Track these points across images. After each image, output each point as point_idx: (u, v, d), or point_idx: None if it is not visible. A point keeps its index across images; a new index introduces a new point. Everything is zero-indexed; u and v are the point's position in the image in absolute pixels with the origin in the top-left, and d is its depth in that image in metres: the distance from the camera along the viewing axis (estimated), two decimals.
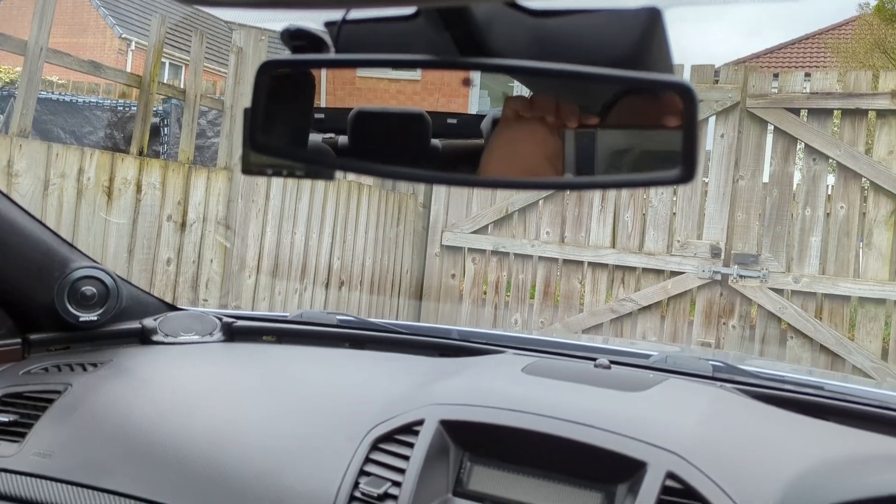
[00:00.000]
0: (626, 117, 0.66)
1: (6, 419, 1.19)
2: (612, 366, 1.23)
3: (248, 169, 0.78)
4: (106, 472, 1.09)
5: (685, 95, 0.58)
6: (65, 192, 2.86)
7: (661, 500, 0.86)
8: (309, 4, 0.51)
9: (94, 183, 2.94)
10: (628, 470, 0.90)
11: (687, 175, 0.58)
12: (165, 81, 3.83)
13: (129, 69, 16.69)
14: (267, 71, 0.64)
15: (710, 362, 1.32)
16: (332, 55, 0.63)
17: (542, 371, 1.15)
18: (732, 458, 0.91)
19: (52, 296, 1.34)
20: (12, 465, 1.12)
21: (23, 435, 1.17)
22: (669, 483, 0.87)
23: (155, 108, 4.54)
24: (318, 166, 0.80)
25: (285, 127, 0.71)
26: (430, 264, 5.43)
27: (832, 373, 3.52)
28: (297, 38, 0.70)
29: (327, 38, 0.71)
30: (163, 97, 3.92)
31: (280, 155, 0.68)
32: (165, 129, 5.87)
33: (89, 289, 1.38)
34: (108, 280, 1.40)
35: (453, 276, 5.38)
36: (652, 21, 0.59)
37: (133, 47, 17.52)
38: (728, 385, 1.19)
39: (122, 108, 6.19)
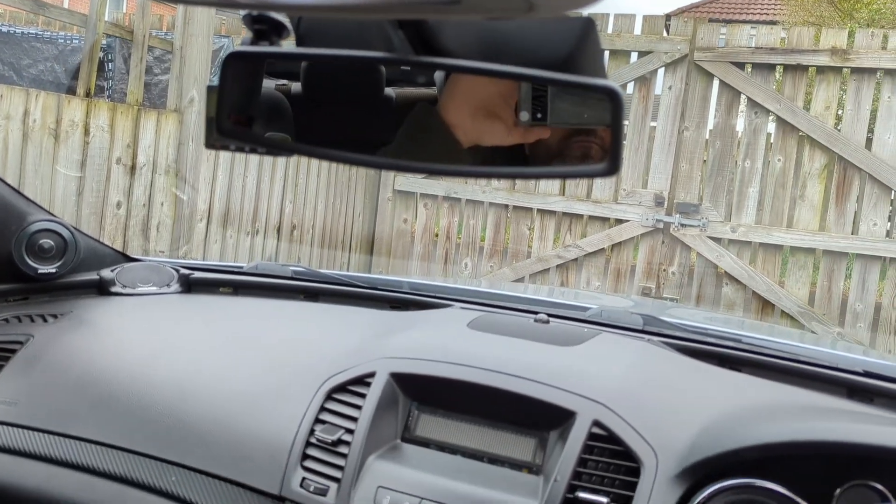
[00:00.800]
0: None
1: None
2: (551, 320, 1.33)
3: (212, 144, 0.82)
4: (70, 419, 1.15)
5: (612, 97, 0.65)
6: (10, 134, 2.80)
7: (587, 445, 0.96)
8: (274, 7, 0.56)
9: (40, 125, 2.89)
10: (560, 418, 1.00)
11: (612, 169, 0.66)
12: (109, 12, 3.71)
13: None
14: (233, 61, 0.68)
15: (641, 316, 1.42)
16: (295, 49, 0.68)
17: (485, 326, 1.24)
18: (652, 408, 1.01)
19: (10, 248, 1.37)
20: None
21: None
22: (595, 430, 0.97)
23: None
24: (279, 150, 0.85)
25: (236, 98, 0.75)
26: (383, 208, 5.47)
27: (759, 324, 3.72)
28: (258, 23, 0.74)
29: (288, 24, 0.76)
30: (108, 34, 3.81)
31: (246, 140, 0.72)
32: (110, 63, 5.69)
33: (47, 241, 1.41)
34: (65, 233, 1.43)
35: (405, 220, 5.44)
36: (586, 29, 0.66)
37: None
38: (655, 339, 1.30)
39: (63, 41, 5.96)
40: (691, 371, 1.17)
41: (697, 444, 0.96)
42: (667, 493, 0.92)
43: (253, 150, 0.83)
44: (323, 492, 0.99)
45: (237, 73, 0.69)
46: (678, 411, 1.02)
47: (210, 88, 0.76)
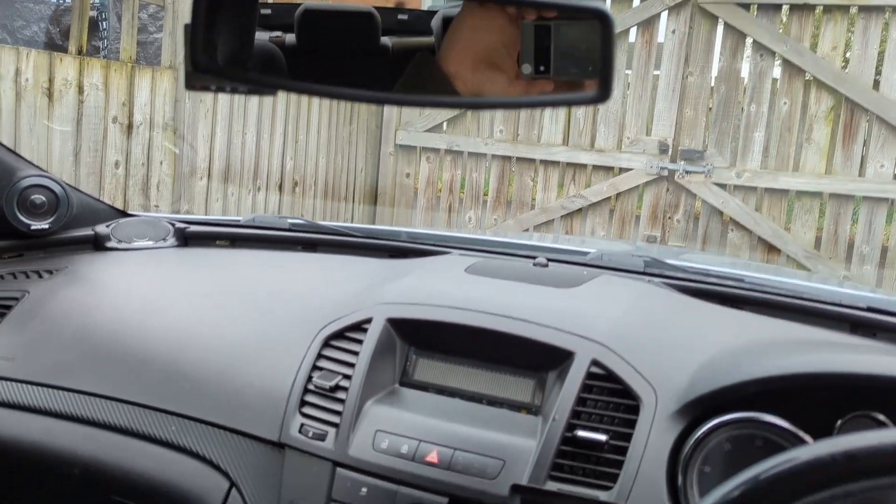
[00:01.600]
0: None
1: None
2: (550, 263, 1.31)
3: (192, 85, 0.80)
4: (68, 372, 1.15)
5: (602, 20, 0.62)
6: (3, 94, 2.77)
7: (585, 384, 0.95)
8: None
9: (32, 84, 2.85)
10: (558, 359, 0.99)
11: (603, 95, 0.63)
12: None
13: None
14: None
15: (642, 258, 1.40)
16: None
17: (483, 270, 1.22)
18: (651, 346, 1.00)
19: (1, 205, 1.35)
20: None
21: None
22: (594, 369, 0.96)
23: (92, 1, 4.33)
24: (262, 86, 0.82)
25: (228, 46, 0.72)
26: (385, 164, 5.43)
27: (765, 265, 3.70)
28: None
29: None
30: None
31: (225, 77, 0.70)
32: (104, 23, 5.62)
33: (38, 197, 1.39)
34: (56, 188, 1.42)
35: (408, 175, 5.40)
36: None
37: None
38: (656, 279, 1.28)
39: (56, 1, 5.88)
40: (692, 310, 1.16)
41: (697, 380, 0.95)
42: (666, 430, 0.91)
43: (234, 90, 0.80)
44: (321, 437, 0.99)
45: (211, 6, 0.67)
46: (678, 349, 1.01)
47: (186, 27, 0.73)
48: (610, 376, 0.96)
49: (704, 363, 0.97)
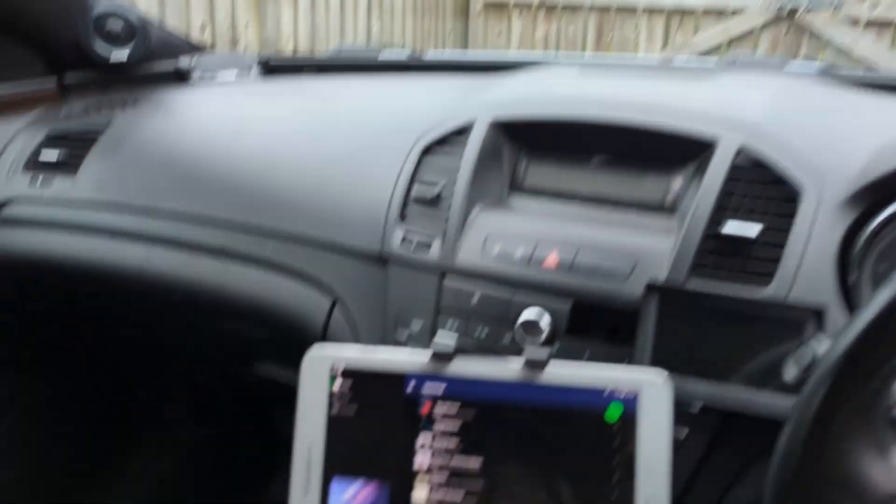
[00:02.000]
0: None
1: (56, 157, 1.19)
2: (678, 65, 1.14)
3: None
4: (160, 194, 1.10)
5: None
6: None
7: (731, 176, 0.80)
8: None
9: None
10: (695, 151, 0.84)
11: None
12: None
13: None
14: None
15: (781, 62, 1.21)
16: None
17: (600, 71, 1.07)
18: (810, 131, 0.84)
19: (78, 32, 1.28)
20: (71, 195, 1.14)
21: (75, 169, 1.17)
22: (740, 160, 0.81)
23: None
24: None
25: None
26: (474, 26, 5.16)
27: None
28: None
29: None
30: None
31: None
32: None
33: (114, 25, 1.31)
34: (131, 16, 1.33)
35: (499, 34, 5.12)
36: None
37: None
38: (804, 74, 1.09)
39: None
40: (855, 97, 0.97)
41: (872, 163, 0.78)
42: (834, 221, 0.76)
43: None
44: (426, 246, 0.89)
45: None
46: (843, 133, 0.84)
47: None
48: (761, 165, 0.80)
49: (879, 146, 0.80)
